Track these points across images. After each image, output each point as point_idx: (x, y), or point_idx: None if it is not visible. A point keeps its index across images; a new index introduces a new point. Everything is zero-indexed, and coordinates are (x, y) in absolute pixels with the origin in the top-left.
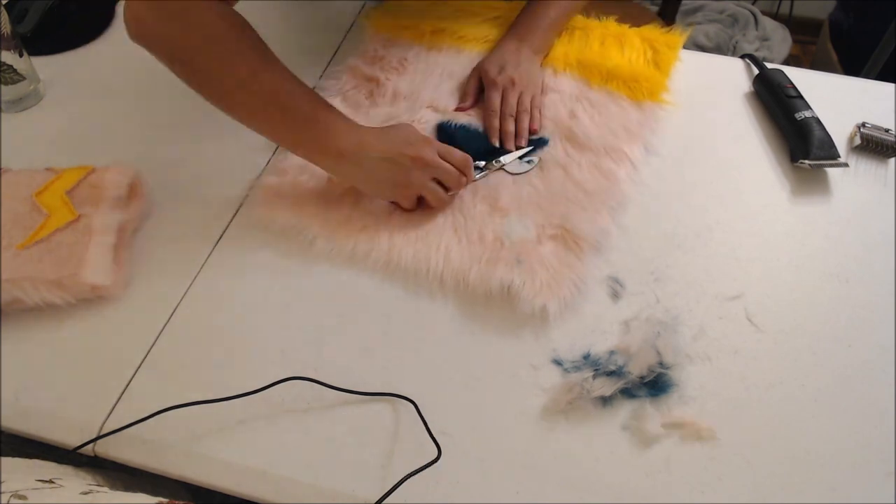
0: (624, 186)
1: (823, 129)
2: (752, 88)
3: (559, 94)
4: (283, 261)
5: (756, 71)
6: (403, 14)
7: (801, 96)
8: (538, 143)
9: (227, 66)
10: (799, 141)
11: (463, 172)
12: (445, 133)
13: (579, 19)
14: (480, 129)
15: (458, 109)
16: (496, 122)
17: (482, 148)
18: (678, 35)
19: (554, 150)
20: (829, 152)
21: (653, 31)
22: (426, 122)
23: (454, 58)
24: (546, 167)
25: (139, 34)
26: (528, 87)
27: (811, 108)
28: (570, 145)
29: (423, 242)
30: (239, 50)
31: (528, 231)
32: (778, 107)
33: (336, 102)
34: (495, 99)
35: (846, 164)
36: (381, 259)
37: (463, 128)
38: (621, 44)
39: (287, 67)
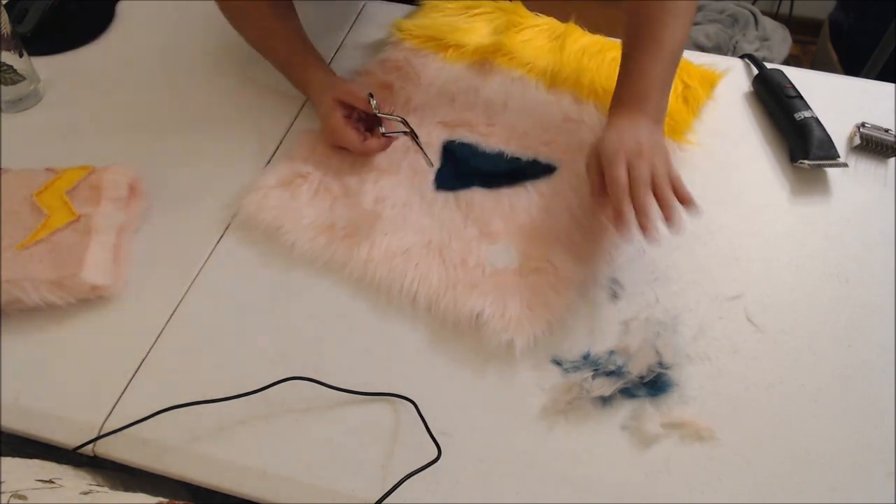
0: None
1: (823, 129)
2: (751, 88)
3: (579, 123)
4: (283, 261)
5: (756, 71)
6: (432, 27)
7: (800, 96)
8: (544, 170)
9: (255, 31)
10: (798, 141)
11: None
12: (451, 153)
13: (608, 43)
14: (488, 149)
15: (596, 201)
16: (624, 198)
17: (492, 169)
18: (716, 73)
19: (559, 182)
20: (828, 152)
21: (689, 64)
22: (435, 137)
23: (475, 76)
24: (547, 198)
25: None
26: (658, 156)
27: (810, 109)
28: (578, 179)
29: (402, 258)
30: (272, 27)
31: (512, 261)
32: (777, 107)
33: None
34: (621, 173)
35: (845, 164)
36: (357, 272)
37: (468, 147)
38: None
39: (297, 35)
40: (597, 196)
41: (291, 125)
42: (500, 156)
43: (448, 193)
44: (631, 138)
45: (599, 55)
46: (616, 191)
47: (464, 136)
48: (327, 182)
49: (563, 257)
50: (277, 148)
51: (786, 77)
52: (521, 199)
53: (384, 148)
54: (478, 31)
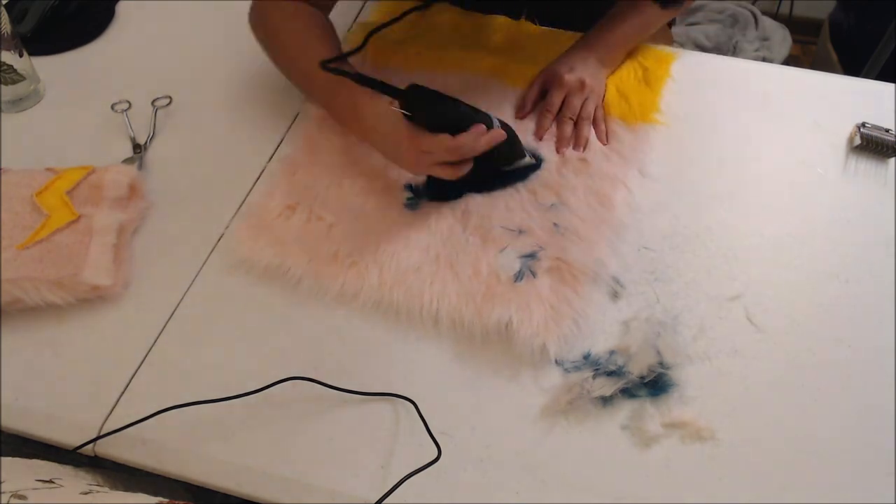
0: (621, 213)
1: None
2: None
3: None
4: (288, 292)
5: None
6: (391, 36)
7: None
8: (533, 166)
9: (283, 48)
10: None
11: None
12: None
13: (563, 37)
14: None
15: (517, 118)
16: (548, 121)
17: (467, 176)
18: (670, 53)
19: (549, 175)
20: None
21: (643, 48)
22: None
23: (440, 81)
24: (540, 192)
25: (250, 22)
26: (593, 94)
27: None
28: (566, 169)
29: (416, 277)
30: (302, 40)
31: (524, 264)
32: None
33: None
34: (557, 99)
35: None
36: (372, 297)
37: None
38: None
39: (337, 43)
40: (524, 105)
41: (290, 126)
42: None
43: (440, 204)
44: (577, 74)
45: (546, 46)
46: (546, 113)
47: None
48: (317, 210)
49: (570, 252)
50: (276, 151)
51: None
52: (515, 200)
53: (477, 141)
54: (436, 35)
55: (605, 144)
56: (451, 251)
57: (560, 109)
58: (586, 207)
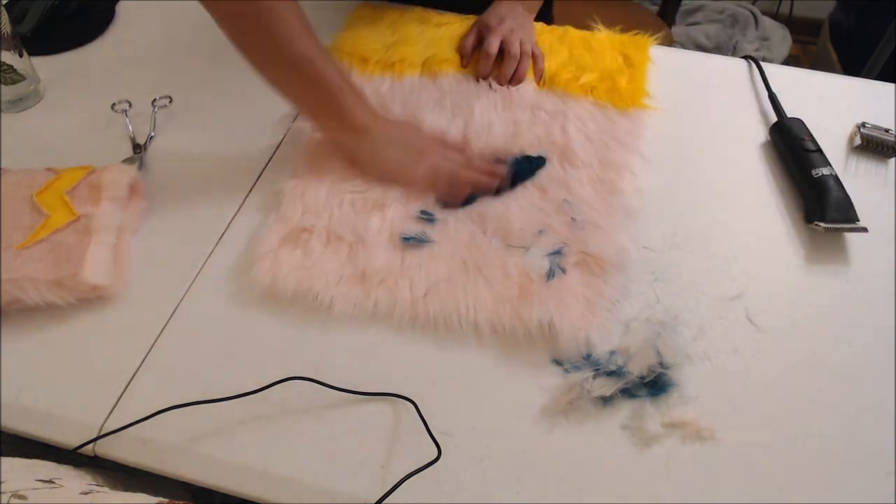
0: (630, 198)
1: (842, 188)
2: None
3: (546, 112)
4: (315, 316)
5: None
6: (347, 44)
7: (819, 150)
8: (537, 163)
9: (265, 29)
10: (814, 201)
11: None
12: None
13: (543, 31)
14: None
15: (462, 66)
16: (490, 65)
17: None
18: (645, 38)
19: (553, 171)
20: (846, 215)
21: (620, 36)
22: None
23: (429, 86)
24: (548, 189)
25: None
26: (527, 37)
27: (830, 165)
28: (568, 163)
29: (446, 286)
30: (280, 17)
31: (553, 262)
32: (794, 162)
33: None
34: (494, 43)
35: (864, 229)
36: (407, 313)
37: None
38: (592, 52)
39: (320, 42)
40: (465, 57)
41: (290, 127)
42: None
43: (456, 212)
44: (510, 17)
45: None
46: (485, 58)
47: None
48: (335, 229)
49: (592, 244)
50: (273, 154)
51: (805, 129)
52: (526, 199)
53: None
54: (410, 42)
55: (539, 84)
56: (477, 256)
57: (500, 53)
58: (597, 197)
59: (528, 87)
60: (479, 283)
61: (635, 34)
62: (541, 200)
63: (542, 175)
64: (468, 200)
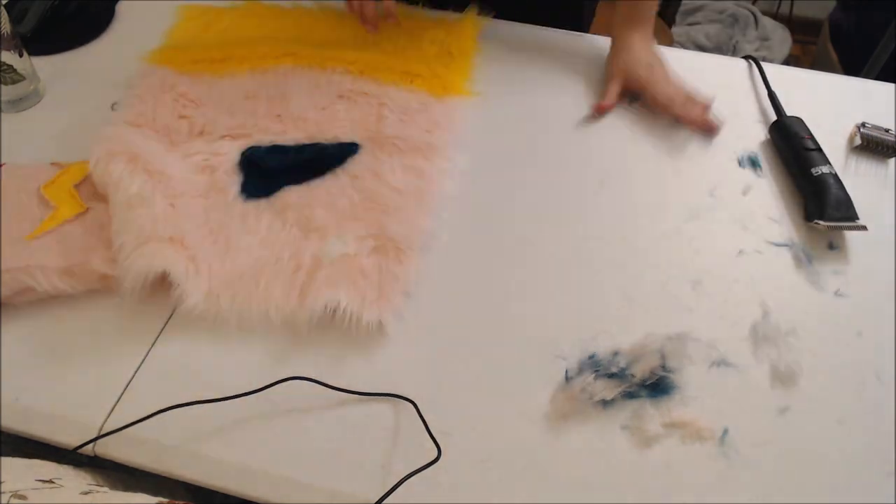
0: (439, 183)
1: (842, 187)
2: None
3: (365, 96)
4: None
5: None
6: (192, 47)
7: (819, 149)
8: (349, 150)
9: None
10: (814, 199)
11: None
12: (250, 160)
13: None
14: (286, 144)
15: (600, 108)
16: (692, 109)
17: (298, 161)
18: (469, 22)
19: (365, 157)
20: (846, 213)
21: (444, 22)
22: (225, 153)
23: (248, 80)
24: (360, 175)
25: None
26: (668, 70)
27: (829, 164)
28: (381, 150)
29: (242, 282)
30: None
31: (348, 246)
32: (794, 161)
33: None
34: (669, 90)
35: (864, 227)
36: (199, 308)
37: (265, 149)
38: (416, 38)
39: None
40: (603, 104)
41: None
42: (301, 147)
43: (260, 202)
44: (655, 60)
45: (340, 28)
46: (678, 106)
47: (260, 140)
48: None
49: (394, 227)
50: None
51: (805, 127)
52: (336, 185)
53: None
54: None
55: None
56: (274, 249)
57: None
58: (404, 182)
59: (346, 75)
60: (272, 277)
61: (460, 20)
62: (350, 187)
63: (354, 160)
64: (276, 187)
